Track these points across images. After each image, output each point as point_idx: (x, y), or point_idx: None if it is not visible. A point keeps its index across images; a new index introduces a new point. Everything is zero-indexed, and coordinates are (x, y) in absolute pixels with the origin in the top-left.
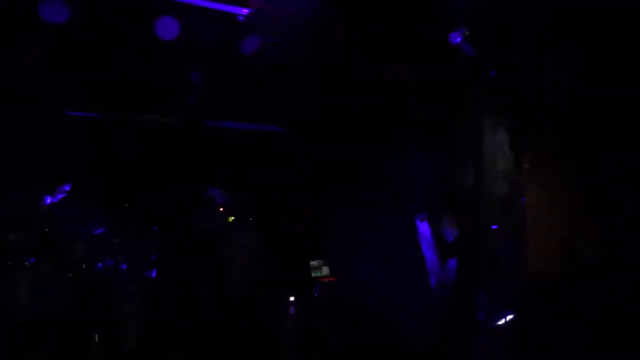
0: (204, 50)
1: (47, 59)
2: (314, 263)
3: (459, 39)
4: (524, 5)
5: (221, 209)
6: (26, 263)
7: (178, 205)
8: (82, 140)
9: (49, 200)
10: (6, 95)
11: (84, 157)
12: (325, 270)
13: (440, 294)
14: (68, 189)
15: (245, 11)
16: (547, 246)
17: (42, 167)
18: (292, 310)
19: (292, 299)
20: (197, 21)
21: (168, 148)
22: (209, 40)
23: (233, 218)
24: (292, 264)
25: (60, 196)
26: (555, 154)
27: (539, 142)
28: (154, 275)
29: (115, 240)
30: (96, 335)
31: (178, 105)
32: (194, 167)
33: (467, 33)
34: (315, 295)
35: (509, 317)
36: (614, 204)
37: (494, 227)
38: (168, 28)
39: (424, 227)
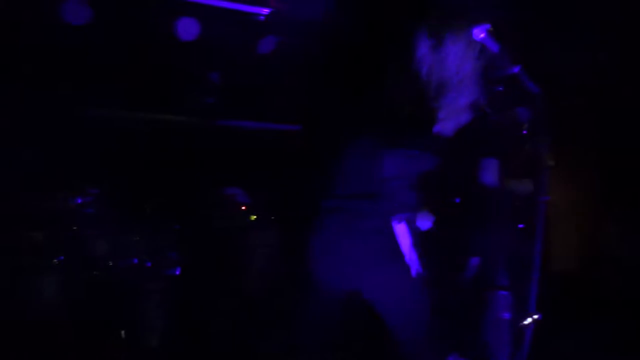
0: (222, 50)
1: (70, 60)
2: None
3: (482, 35)
4: None
5: (242, 208)
6: (54, 261)
7: (199, 205)
8: (105, 140)
9: (75, 200)
10: (32, 96)
11: (107, 156)
12: None
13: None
14: (95, 192)
15: (264, 11)
16: (571, 245)
17: (67, 167)
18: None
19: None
20: (216, 21)
21: (189, 148)
22: (228, 40)
23: (255, 217)
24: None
25: (87, 198)
26: (580, 151)
27: (563, 139)
28: (177, 273)
29: (138, 239)
30: (122, 332)
31: (198, 105)
32: (214, 166)
33: (491, 29)
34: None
35: (533, 317)
36: None
37: (520, 225)
38: (188, 29)
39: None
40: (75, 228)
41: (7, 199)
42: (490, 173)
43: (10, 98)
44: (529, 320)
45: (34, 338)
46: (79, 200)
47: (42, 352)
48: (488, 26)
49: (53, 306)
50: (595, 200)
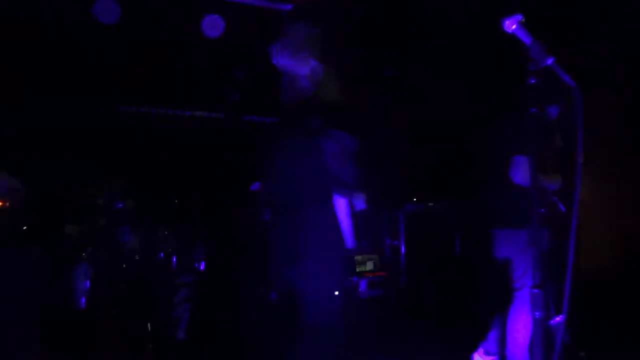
0: (248, 46)
1: (100, 59)
2: (358, 257)
3: (514, 27)
4: None
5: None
6: (84, 254)
7: (225, 200)
8: (134, 136)
9: (106, 195)
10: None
11: (136, 153)
12: (370, 265)
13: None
14: (121, 185)
15: (288, 7)
16: (603, 242)
17: (98, 163)
18: (336, 304)
19: (336, 293)
20: (241, 18)
21: (216, 145)
22: (253, 36)
23: None
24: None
25: (115, 193)
26: (614, 147)
27: (597, 135)
28: (202, 267)
29: (166, 233)
30: (148, 325)
31: (224, 102)
32: (241, 163)
33: (523, 20)
34: (361, 290)
35: (563, 316)
36: None
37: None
38: (214, 25)
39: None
40: (104, 222)
41: (43, 194)
42: (520, 170)
43: (41, 97)
44: (561, 319)
45: (66, 327)
46: (110, 196)
47: (73, 341)
48: (520, 17)
49: (83, 298)
50: (629, 198)
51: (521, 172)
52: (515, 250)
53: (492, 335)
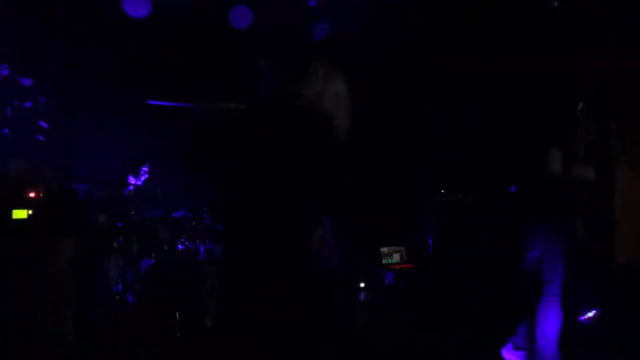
0: (275, 37)
1: (129, 52)
2: (384, 250)
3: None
4: None
5: None
6: (114, 244)
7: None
8: (162, 127)
9: (133, 182)
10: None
11: (164, 144)
12: (396, 257)
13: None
14: (147, 169)
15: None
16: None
17: (127, 155)
18: (362, 296)
19: (362, 285)
20: (269, 8)
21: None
22: (281, 26)
23: None
24: (364, 251)
25: (143, 178)
26: None
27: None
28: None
29: (194, 223)
30: (177, 313)
31: (250, 93)
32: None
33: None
34: (387, 282)
35: (596, 311)
36: None
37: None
38: (242, 17)
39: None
40: (133, 213)
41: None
42: (551, 161)
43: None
44: (592, 312)
45: (98, 316)
46: (138, 182)
47: (104, 329)
48: None
49: (115, 285)
50: None
51: (554, 165)
52: (544, 243)
53: (522, 329)
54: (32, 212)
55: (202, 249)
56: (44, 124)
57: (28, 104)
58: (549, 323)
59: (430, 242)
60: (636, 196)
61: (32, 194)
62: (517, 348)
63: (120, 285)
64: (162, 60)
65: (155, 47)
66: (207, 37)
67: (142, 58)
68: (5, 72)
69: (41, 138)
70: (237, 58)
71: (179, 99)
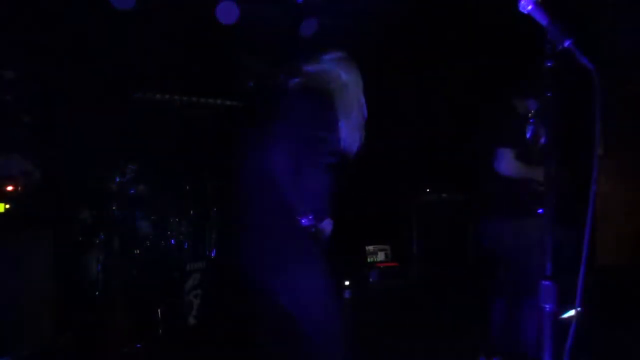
0: (263, 33)
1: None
2: (369, 248)
3: (530, 7)
4: None
5: None
6: (96, 240)
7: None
8: (149, 123)
9: (117, 180)
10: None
11: (150, 139)
12: (381, 256)
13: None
14: (134, 168)
15: None
16: (621, 237)
17: (111, 149)
18: (347, 294)
19: (347, 283)
20: (256, 4)
21: (229, 131)
22: (268, 23)
23: None
24: (348, 249)
25: (128, 177)
26: (635, 140)
27: (616, 126)
28: (213, 254)
29: (177, 220)
30: (159, 310)
31: (239, 89)
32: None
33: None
34: (371, 280)
35: (577, 310)
36: None
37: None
38: (228, 12)
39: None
40: (115, 208)
41: (57, 179)
42: (504, 161)
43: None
44: (574, 312)
45: (78, 312)
46: (123, 179)
47: (85, 326)
48: None
49: (97, 282)
50: None
51: (504, 164)
52: (513, 241)
53: (495, 333)
54: (10, 206)
55: (185, 246)
56: (23, 117)
57: (7, 97)
58: (529, 321)
59: (415, 240)
60: (616, 197)
61: (9, 188)
62: (491, 354)
63: (101, 282)
64: (148, 54)
65: (141, 41)
66: (194, 32)
67: (127, 51)
68: None
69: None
70: (224, 54)
71: (166, 94)
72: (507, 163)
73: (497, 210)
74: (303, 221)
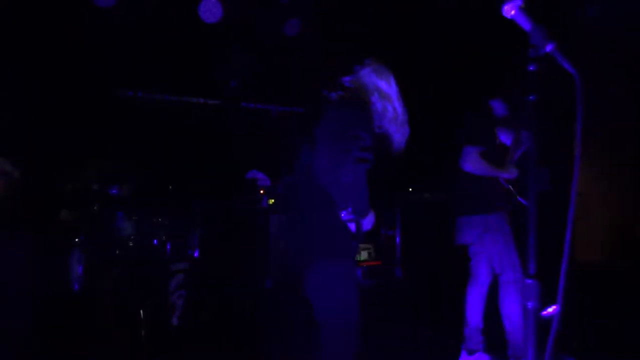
0: (246, 32)
1: (97, 43)
2: None
3: (513, 12)
4: None
5: (262, 192)
6: (77, 240)
7: (220, 188)
8: (129, 121)
9: (98, 180)
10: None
11: (130, 137)
12: (365, 255)
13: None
14: (120, 174)
15: None
16: (600, 236)
17: (93, 147)
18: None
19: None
20: (239, 3)
21: (212, 131)
22: (252, 22)
23: (273, 201)
24: None
25: (110, 176)
26: (609, 137)
27: (597, 129)
28: (196, 254)
29: (160, 220)
30: (141, 311)
31: (221, 88)
32: (236, 149)
33: (523, 5)
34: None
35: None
36: None
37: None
38: (211, 11)
39: None
40: (96, 208)
41: (36, 179)
42: (469, 159)
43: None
44: (555, 309)
45: (59, 313)
46: (104, 182)
47: (66, 326)
48: (520, 2)
49: (76, 284)
50: (626, 189)
51: (469, 162)
52: (474, 236)
53: (471, 333)
54: None
55: (168, 246)
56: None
57: None
58: (511, 308)
59: (398, 239)
60: (592, 197)
61: None
62: (470, 352)
63: (81, 282)
64: (132, 53)
65: (125, 40)
66: (178, 31)
67: (110, 51)
68: None
69: None
70: (208, 53)
71: (148, 92)
72: (472, 161)
73: (464, 206)
74: (343, 214)
